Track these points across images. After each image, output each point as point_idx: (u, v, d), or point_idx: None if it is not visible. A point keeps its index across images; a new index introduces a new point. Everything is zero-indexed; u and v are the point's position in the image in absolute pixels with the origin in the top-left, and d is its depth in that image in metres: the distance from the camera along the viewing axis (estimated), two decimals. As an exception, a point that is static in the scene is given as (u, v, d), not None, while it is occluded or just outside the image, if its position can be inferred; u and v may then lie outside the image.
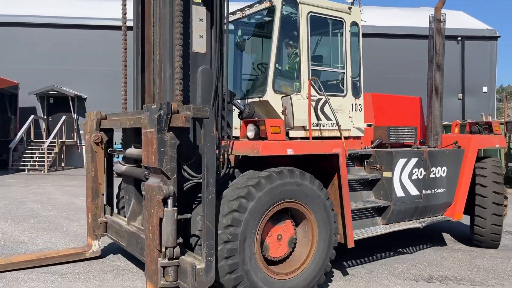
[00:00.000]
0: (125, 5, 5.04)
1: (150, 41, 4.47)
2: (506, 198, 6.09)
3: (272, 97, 4.66)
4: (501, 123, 14.97)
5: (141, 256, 4.14)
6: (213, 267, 3.52)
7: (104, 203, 5.18)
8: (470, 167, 5.91)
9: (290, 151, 4.12)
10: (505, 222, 8.14)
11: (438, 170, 5.69)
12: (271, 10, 4.91)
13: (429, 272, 4.83)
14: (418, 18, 21.03)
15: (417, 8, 25.37)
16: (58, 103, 20.16)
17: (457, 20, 23.27)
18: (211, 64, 4.23)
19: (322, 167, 4.61)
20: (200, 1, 4.24)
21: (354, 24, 5.41)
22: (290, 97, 4.59)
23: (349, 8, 5.38)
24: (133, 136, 4.68)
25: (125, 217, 4.89)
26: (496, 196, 5.83)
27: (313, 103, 4.91)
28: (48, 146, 17.34)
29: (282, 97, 4.68)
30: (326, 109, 4.99)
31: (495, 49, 22.83)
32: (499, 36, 22.71)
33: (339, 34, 5.39)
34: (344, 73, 5.29)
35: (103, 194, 5.10)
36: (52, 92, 19.45)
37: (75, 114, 20.43)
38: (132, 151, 4.63)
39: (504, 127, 14.43)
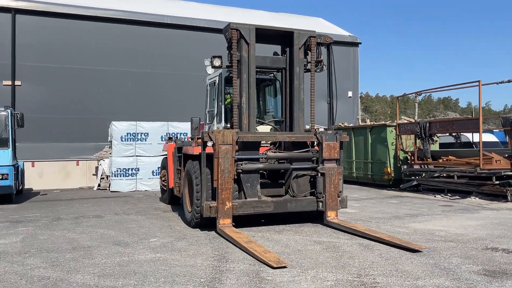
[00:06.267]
0: (232, 57, 7.79)
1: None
2: None
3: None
4: (393, 125, 15.46)
5: (288, 209, 7.66)
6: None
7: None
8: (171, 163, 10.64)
9: None
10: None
11: None
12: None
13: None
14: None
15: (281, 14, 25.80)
16: None
17: (317, 26, 24.21)
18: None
19: None
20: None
21: None
22: None
23: None
24: (254, 146, 7.83)
25: (245, 198, 7.46)
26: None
27: None
28: None
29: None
30: None
31: (357, 55, 24.04)
32: (360, 43, 23.96)
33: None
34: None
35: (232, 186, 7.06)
36: None
37: None
38: (275, 154, 8.08)
39: (397, 129, 14.93)
